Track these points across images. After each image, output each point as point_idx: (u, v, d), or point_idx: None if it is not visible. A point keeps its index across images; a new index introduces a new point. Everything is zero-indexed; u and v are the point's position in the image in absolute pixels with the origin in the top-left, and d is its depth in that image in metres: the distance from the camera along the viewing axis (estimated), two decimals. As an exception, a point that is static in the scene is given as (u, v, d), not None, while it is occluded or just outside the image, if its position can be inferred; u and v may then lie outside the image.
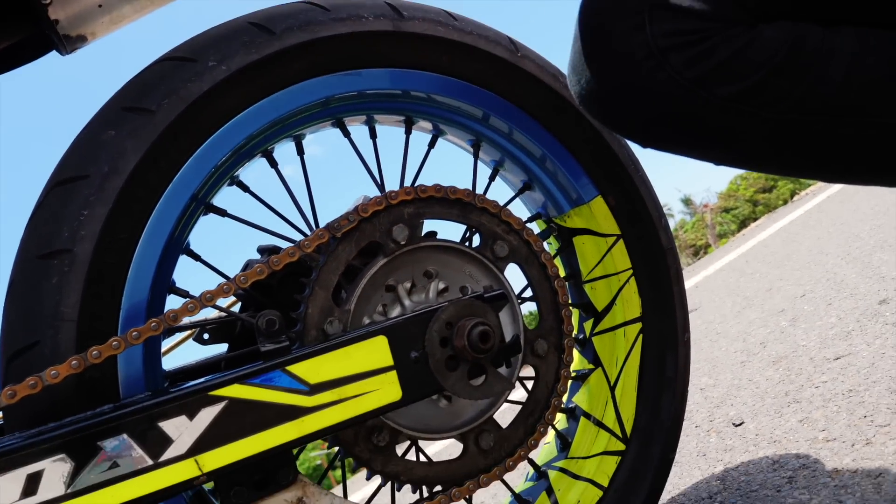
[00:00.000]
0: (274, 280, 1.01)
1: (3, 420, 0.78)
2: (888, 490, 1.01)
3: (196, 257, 0.96)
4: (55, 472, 0.67)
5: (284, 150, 1.08)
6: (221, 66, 0.91)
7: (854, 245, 2.93)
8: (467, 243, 1.04)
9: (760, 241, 5.08)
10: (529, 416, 1.02)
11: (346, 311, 0.91)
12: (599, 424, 1.17)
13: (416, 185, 0.98)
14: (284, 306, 0.96)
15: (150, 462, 0.70)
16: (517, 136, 1.15)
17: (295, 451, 0.82)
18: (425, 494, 0.95)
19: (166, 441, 0.72)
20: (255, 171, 1.08)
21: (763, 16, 0.82)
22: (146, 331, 0.77)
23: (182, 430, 0.72)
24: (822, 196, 6.13)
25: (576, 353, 1.25)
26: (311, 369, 0.80)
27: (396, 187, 1.00)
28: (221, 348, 1.07)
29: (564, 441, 1.20)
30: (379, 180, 1.06)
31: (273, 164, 1.02)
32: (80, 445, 0.68)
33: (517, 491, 1.16)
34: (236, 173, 1.00)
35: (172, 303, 0.92)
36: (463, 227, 1.05)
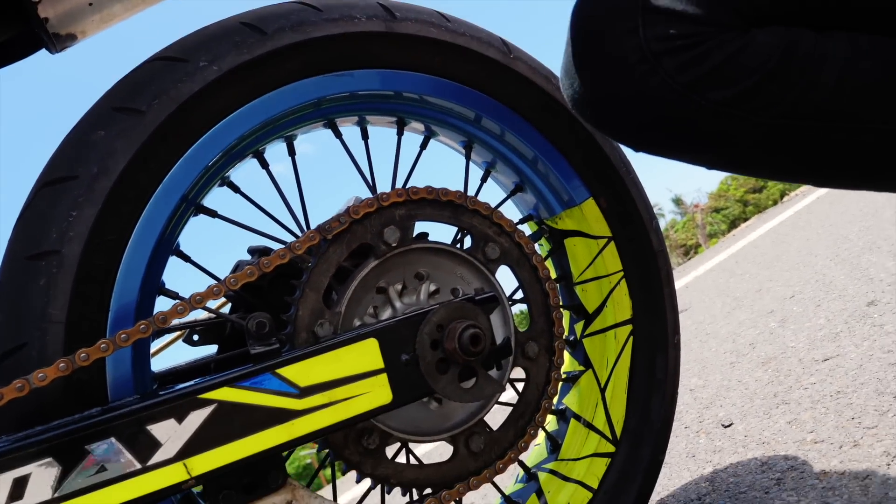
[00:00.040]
0: (264, 281, 1.01)
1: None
2: (875, 492, 1.02)
3: (186, 258, 0.95)
4: (42, 476, 0.66)
5: (276, 148, 1.07)
6: (213, 66, 0.90)
7: (843, 246, 2.95)
8: (459, 245, 1.04)
9: (750, 242, 5.11)
10: (520, 419, 1.02)
11: (337, 314, 0.91)
12: (589, 426, 1.18)
13: (407, 186, 0.98)
14: (274, 307, 0.96)
15: (139, 466, 0.70)
16: (509, 137, 1.15)
17: (284, 454, 0.81)
18: (415, 497, 0.95)
19: (155, 445, 0.71)
20: (246, 171, 1.08)
21: (756, 20, 0.82)
22: (135, 333, 0.77)
23: (171, 434, 0.72)
24: (811, 197, 6.16)
25: (566, 354, 1.25)
26: (301, 372, 0.79)
27: (388, 188, 0.99)
28: (211, 349, 1.06)
29: (554, 443, 1.20)
30: (371, 182, 1.06)
31: (264, 164, 1.02)
32: (67, 449, 0.68)
33: (507, 493, 1.16)
34: (227, 174, 0.99)
35: (162, 304, 0.92)
36: (454, 229, 1.05)
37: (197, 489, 0.80)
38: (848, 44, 0.82)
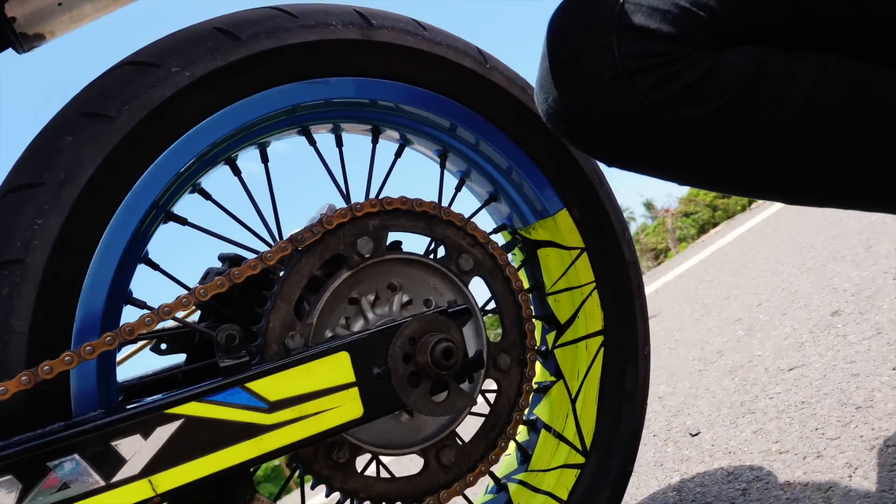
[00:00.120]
0: (235, 291, 0.99)
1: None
2: (837, 505, 1.04)
3: (155, 267, 0.93)
4: (1, 494, 0.65)
5: (248, 153, 1.06)
6: (185, 71, 0.88)
7: (808, 255, 3.01)
8: (432, 255, 1.04)
9: (719, 248, 5.18)
10: (491, 431, 1.02)
11: (309, 325, 0.90)
12: (560, 437, 1.18)
13: (381, 196, 0.97)
14: (244, 317, 0.95)
15: (102, 483, 0.68)
16: (484, 147, 1.15)
17: (252, 470, 0.80)
18: (385, 510, 0.94)
19: (119, 461, 0.70)
20: (217, 177, 1.06)
21: (730, 40, 0.83)
22: (100, 345, 0.75)
23: (136, 450, 0.70)
24: (779, 204, 6.27)
25: (538, 364, 1.25)
26: (271, 386, 0.78)
27: (362, 197, 0.99)
28: (179, 358, 1.04)
29: (525, 454, 1.20)
30: (344, 190, 1.05)
31: (237, 172, 1.00)
32: (28, 466, 0.66)
33: None
34: (199, 181, 0.98)
35: (129, 314, 0.90)
36: (428, 239, 1.04)
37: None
38: (817, 65, 0.83)
